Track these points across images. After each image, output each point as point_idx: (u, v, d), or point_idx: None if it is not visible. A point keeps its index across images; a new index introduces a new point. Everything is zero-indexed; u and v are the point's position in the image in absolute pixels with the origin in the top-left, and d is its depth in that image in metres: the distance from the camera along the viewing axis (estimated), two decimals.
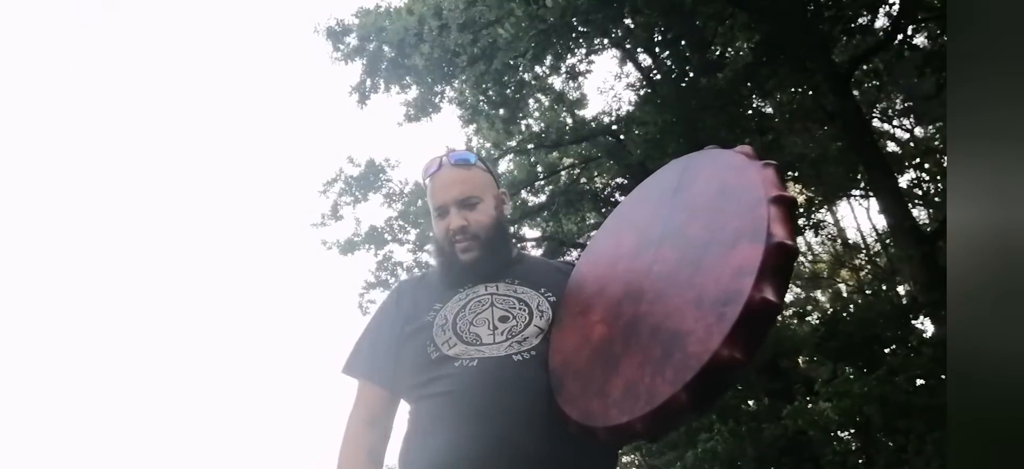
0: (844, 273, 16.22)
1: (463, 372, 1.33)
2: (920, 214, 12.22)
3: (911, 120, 14.03)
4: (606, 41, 10.21)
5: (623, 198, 1.59)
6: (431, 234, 1.67)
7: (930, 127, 13.19)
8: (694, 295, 1.14)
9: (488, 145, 11.33)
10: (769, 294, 1.04)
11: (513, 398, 1.30)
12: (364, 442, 1.42)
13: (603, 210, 10.66)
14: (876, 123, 13.29)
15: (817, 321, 9.86)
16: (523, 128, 11.08)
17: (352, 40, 9.67)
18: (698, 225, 1.24)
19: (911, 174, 10.93)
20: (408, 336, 1.45)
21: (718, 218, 1.20)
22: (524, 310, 1.43)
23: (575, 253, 10.36)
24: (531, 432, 1.27)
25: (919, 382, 6.44)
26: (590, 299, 1.38)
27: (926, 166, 10.41)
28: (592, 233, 10.96)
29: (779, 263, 1.07)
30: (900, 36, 8.08)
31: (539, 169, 11.46)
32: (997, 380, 0.87)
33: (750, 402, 9.00)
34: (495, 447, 1.26)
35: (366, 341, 1.54)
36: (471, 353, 1.35)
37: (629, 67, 11.38)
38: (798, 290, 17.66)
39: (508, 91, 9.73)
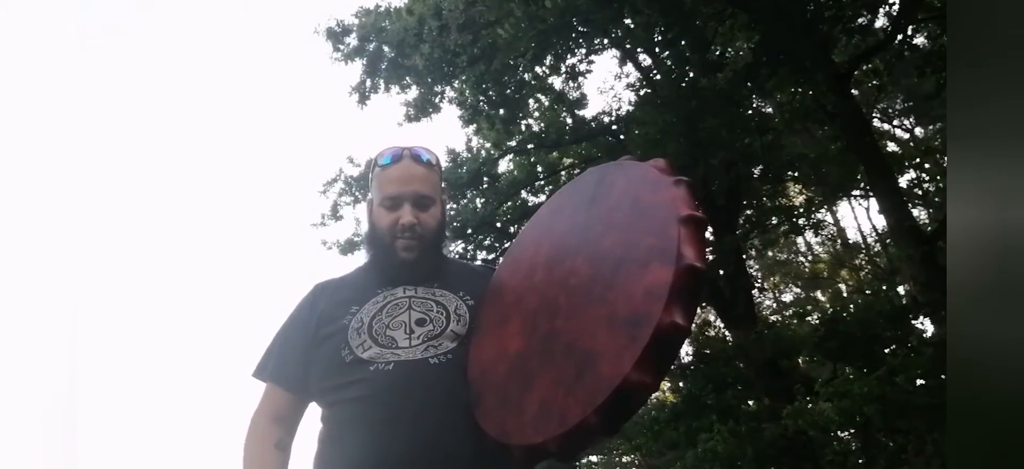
0: (844, 273, 16.24)
1: (378, 375, 1.32)
2: (920, 214, 12.22)
3: (911, 120, 14.04)
4: (606, 41, 10.20)
5: (544, 202, 1.57)
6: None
7: (930, 127, 13.20)
8: (607, 312, 1.14)
9: (488, 145, 11.33)
10: (678, 318, 1.05)
11: (431, 401, 1.29)
12: (271, 435, 1.42)
13: None
14: (876, 123, 13.30)
15: (817, 321, 9.85)
16: (523, 128, 11.08)
17: (352, 40, 9.67)
18: (612, 239, 1.24)
19: (911, 174, 10.93)
20: (322, 339, 1.42)
21: (631, 234, 1.20)
22: (442, 313, 1.42)
23: None
24: (449, 434, 1.27)
25: (919, 382, 6.44)
26: (508, 309, 1.38)
27: (926, 166, 10.40)
28: None
29: (688, 286, 1.08)
30: (900, 36, 8.08)
31: (539, 169, 11.46)
32: (997, 380, 0.87)
33: (750, 402, 9.00)
34: (414, 450, 1.25)
35: (277, 344, 1.51)
36: (387, 356, 1.34)
37: (629, 67, 11.38)
38: (798, 290, 17.68)
39: (508, 91, 9.73)
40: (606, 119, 10.75)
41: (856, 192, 12.63)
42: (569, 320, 1.22)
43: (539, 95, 11.51)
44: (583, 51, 10.33)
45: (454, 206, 10.31)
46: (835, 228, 15.92)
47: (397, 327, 1.38)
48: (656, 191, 1.21)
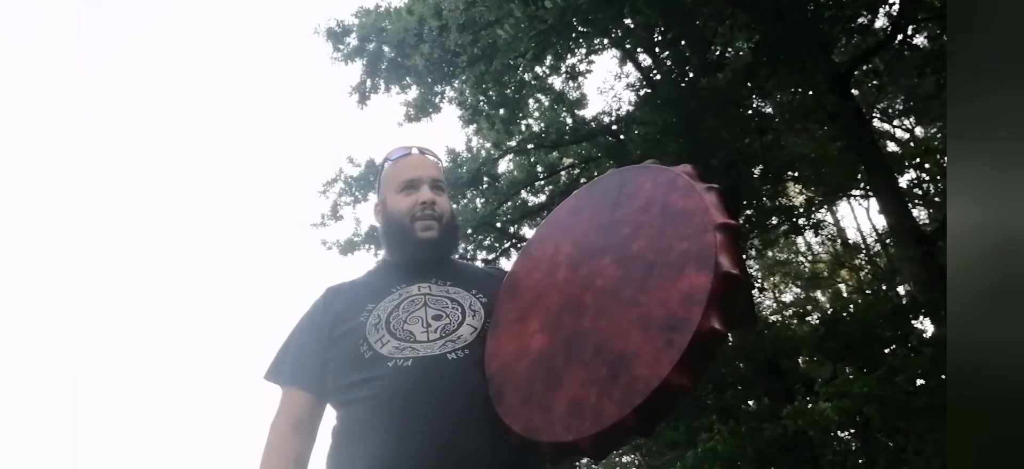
0: (844, 273, 16.24)
1: (397, 372, 1.32)
2: (920, 214, 12.22)
3: (911, 120, 14.04)
4: (606, 41, 10.19)
5: (559, 204, 1.57)
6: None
7: (930, 127, 13.20)
8: (639, 315, 1.15)
9: (488, 145, 11.32)
10: (717, 324, 1.06)
11: (451, 397, 1.30)
12: (290, 449, 1.39)
13: None
14: (876, 123, 13.30)
15: (817, 321, 9.85)
16: (523, 128, 11.08)
17: (352, 40, 9.67)
18: (641, 242, 1.24)
19: (911, 174, 10.93)
20: (339, 337, 1.42)
21: (663, 239, 1.20)
22: (457, 309, 1.44)
23: None
24: (470, 431, 1.27)
25: (919, 382, 6.43)
26: (528, 306, 1.37)
27: (926, 166, 10.41)
28: None
29: (726, 292, 1.08)
30: (900, 36, 8.08)
31: (539, 169, 11.46)
32: (997, 380, 0.87)
33: (750, 402, 9.00)
34: (435, 447, 1.25)
35: (292, 345, 1.50)
36: (405, 352, 1.34)
37: (629, 67, 11.38)
38: (798, 290, 17.68)
39: (508, 91, 9.73)
40: (606, 119, 10.75)
41: (856, 192, 12.64)
42: (597, 320, 1.21)
43: (539, 95, 11.52)
44: (583, 51, 10.34)
45: (454, 206, 10.31)
46: (835, 228, 15.93)
47: (414, 322, 1.39)
48: (688, 197, 1.21)
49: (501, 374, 1.31)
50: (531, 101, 11.32)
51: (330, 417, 1.45)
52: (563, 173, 11.48)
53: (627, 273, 1.22)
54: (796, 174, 11.07)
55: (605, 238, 1.32)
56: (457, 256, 1.64)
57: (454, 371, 1.33)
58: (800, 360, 9.74)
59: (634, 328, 1.14)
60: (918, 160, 10.70)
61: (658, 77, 10.09)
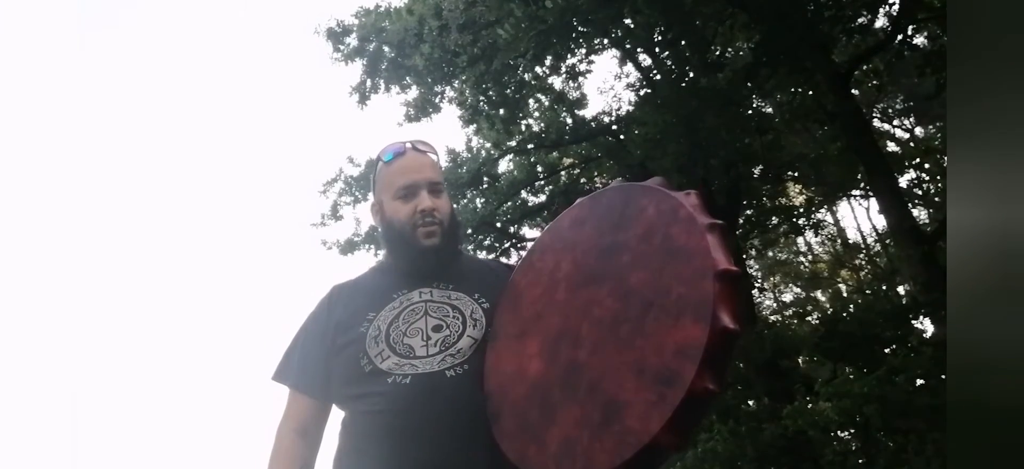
0: (844, 273, 16.25)
1: (396, 389, 1.32)
2: (920, 214, 12.23)
3: (911, 120, 14.04)
4: (606, 41, 10.19)
5: (564, 211, 1.52)
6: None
7: (930, 127, 13.20)
8: (634, 359, 1.13)
9: (488, 145, 11.32)
10: (710, 383, 1.04)
11: (448, 416, 1.30)
12: (297, 456, 1.41)
13: None
14: (876, 123, 13.31)
15: (817, 321, 9.86)
16: (523, 128, 11.07)
17: (352, 40, 9.67)
18: (640, 276, 1.21)
19: (911, 174, 10.94)
20: (340, 347, 1.42)
21: (662, 277, 1.17)
22: (458, 319, 1.42)
23: None
24: (467, 450, 1.28)
25: (919, 382, 6.43)
26: (527, 324, 1.36)
27: (926, 166, 10.41)
28: None
29: (722, 349, 1.06)
30: (900, 36, 8.08)
31: (539, 169, 11.46)
32: (997, 380, 0.87)
33: (750, 402, 9.00)
34: (433, 465, 1.26)
35: (296, 349, 1.51)
36: (404, 368, 1.34)
37: (629, 67, 11.38)
38: (798, 290, 17.68)
39: (508, 91, 9.72)
40: (606, 119, 10.75)
41: (856, 192, 12.65)
42: (593, 356, 1.20)
43: (539, 95, 11.51)
44: (583, 51, 10.33)
45: (454, 206, 10.31)
46: (835, 228, 15.95)
47: (414, 334, 1.38)
48: (690, 234, 1.17)
49: (499, 393, 1.31)
50: (531, 101, 11.32)
51: (335, 420, 1.47)
52: (563, 173, 11.48)
53: (624, 309, 1.20)
54: (796, 174, 11.08)
55: (604, 263, 1.30)
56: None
57: (452, 389, 1.32)
58: (800, 360, 9.74)
59: (628, 372, 1.13)
60: (918, 160, 10.70)
61: (658, 77, 10.09)
